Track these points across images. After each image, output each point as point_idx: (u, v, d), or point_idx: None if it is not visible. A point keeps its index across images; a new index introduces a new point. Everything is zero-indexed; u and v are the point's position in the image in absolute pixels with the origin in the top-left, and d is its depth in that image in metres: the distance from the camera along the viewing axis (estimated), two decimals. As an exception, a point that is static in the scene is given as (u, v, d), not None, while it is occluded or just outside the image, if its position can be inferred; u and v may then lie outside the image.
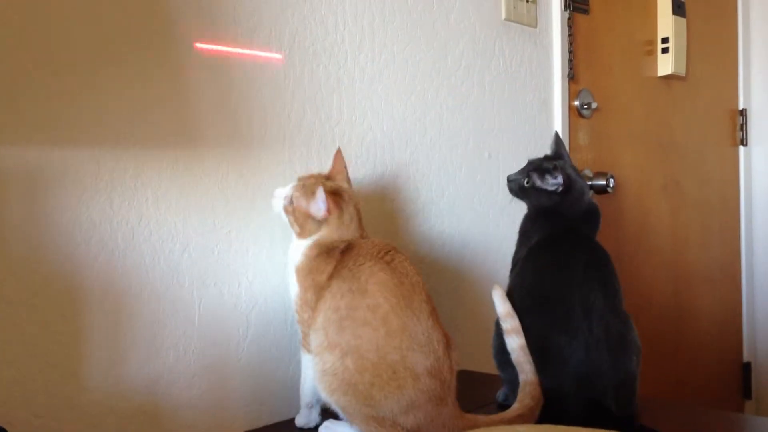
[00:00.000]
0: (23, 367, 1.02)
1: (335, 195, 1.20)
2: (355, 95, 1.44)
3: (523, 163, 1.41)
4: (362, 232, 1.22)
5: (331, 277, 1.14)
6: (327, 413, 1.19)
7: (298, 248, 1.20)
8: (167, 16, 1.17)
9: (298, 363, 1.28)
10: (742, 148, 2.69)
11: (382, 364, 1.06)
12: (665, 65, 2.28)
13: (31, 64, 1.03)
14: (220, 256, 1.24)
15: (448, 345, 1.12)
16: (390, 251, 1.15)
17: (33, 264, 1.03)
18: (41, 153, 1.04)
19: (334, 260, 1.16)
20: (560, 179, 1.29)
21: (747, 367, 2.70)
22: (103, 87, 1.10)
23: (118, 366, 1.12)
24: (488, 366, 1.30)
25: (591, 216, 1.32)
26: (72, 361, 1.07)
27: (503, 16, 1.76)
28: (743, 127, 2.68)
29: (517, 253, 1.34)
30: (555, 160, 1.35)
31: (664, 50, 2.28)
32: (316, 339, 1.13)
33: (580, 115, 2.01)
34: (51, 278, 1.05)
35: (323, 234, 1.19)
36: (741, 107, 2.69)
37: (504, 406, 1.29)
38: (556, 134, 1.42)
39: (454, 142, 1.65)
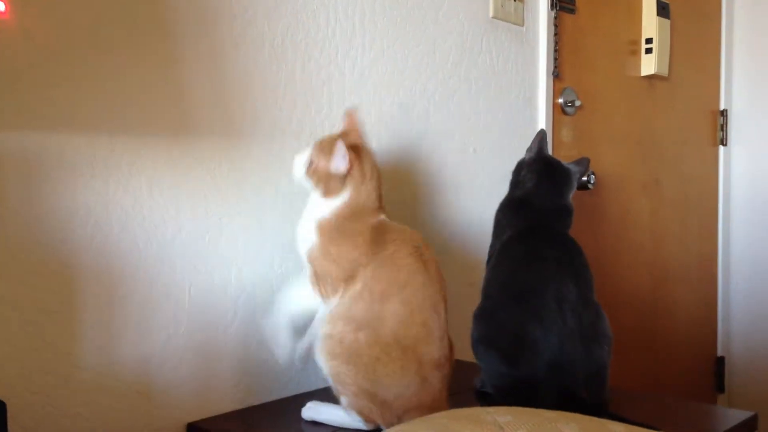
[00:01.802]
0: (19, 345, 1.06)
1: (354, 149, 1.21)
2: (344, 89, 1.47)
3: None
4: (381, 200, 1.24)
5: (367, 255, 1.17)
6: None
7: (325, 205, 1.20)
8: (164, 6, 1.20)
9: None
10: (721, 148, 2.75)
11: (393, 344, 1.11)
12: (648, 65, 2.33)
13: (29, 51, 1.06)
14: (211, 242, 1.28)
15: (451, 349, 1.19)
16: (424, 245, 1.20)
17: (30, 246, 1.07)
18: (39, 139, 1.07)
19: (366, 235, 1.18)
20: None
21: (720, 362, 2.76)
22: (100, 76, 1.13)
23: (111, 345, 1.15)
24: (467, 354, 1.35)
25: (562, 211, 1.37)
26: (67, 340, 1.11)
27: (491, 14, 1.80)
28: (723, 128, 2.73)
29: (492, 245, 1.39)
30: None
31: (648, 50, 2.32)
32: (337, 306, 1.16)
33: (564, 113, 2.05)
34: (48, 260, 1.08)
35: (351, 195, 1.20)
36: (722, 108, 2.74)
37: (481, 392, 1.34)
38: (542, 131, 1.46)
39: (440, 136, 1.69)
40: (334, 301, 1.17)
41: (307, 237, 1.20)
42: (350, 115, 1.27)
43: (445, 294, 1.19)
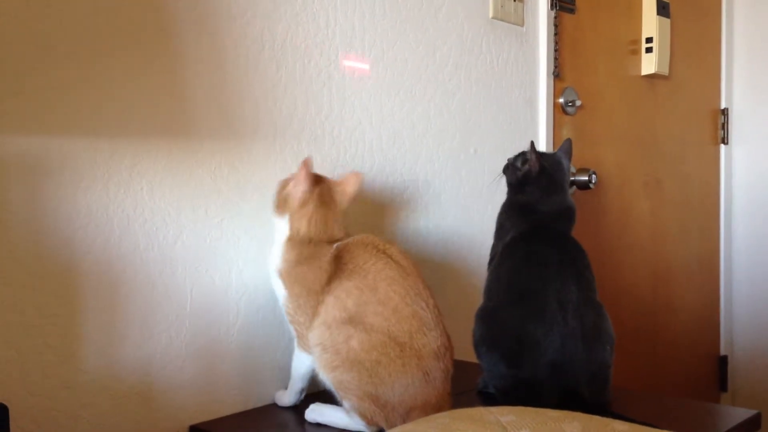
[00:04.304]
0: (21, 348, 1.06)
1: (320, 184, 1.24)
2: (345, 90, 1.47)
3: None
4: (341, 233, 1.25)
5: (329, 280, 1.18)
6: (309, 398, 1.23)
7: (278, 251, 1.23)
8: (164, 10, 1.21)
9: (286, 348, 1.33)
10: (722, 147, 2.74)
11: (390, 343, 1.11)
12: (649, 65, 2.33)
13: (32, 55, 1.07)
14: (212, 244, 1.28)
15: (449, 339, 1.17)
16: (386, 246, 1.19)
17: (32, 248, 1.07)
18: (41, 142, 1.08)
19: (325, 265, 1.19)
20: (528, 167, 1.36)
21: (723, 360, 2.76)
22: (101, 79, 1.14)
23: (113, 348, 1.15)
24: (469, 355, 1.35)
25: (566, 213, 1.36)
26: (68, 343, 1.11)
27: (491, 14, 1.80)
28: (724, 126, 2.73)
29: (494, 246, 1.39)
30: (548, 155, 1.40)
31: (648, 50, 2.32)
32: (319, 334, 1.16)
33: (565, 113, 2.05)
34: (49, 262, 1.08)
35: (294, 226, 1.22)
36: (722, 107, 2.74)
37: (483, 393, 1.34)
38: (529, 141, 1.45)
39: (441, 137, 1.69)
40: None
41: (277, 287, 1.23)
42: (352, 177, 1.28)
43: (427, 287, 1.18)
